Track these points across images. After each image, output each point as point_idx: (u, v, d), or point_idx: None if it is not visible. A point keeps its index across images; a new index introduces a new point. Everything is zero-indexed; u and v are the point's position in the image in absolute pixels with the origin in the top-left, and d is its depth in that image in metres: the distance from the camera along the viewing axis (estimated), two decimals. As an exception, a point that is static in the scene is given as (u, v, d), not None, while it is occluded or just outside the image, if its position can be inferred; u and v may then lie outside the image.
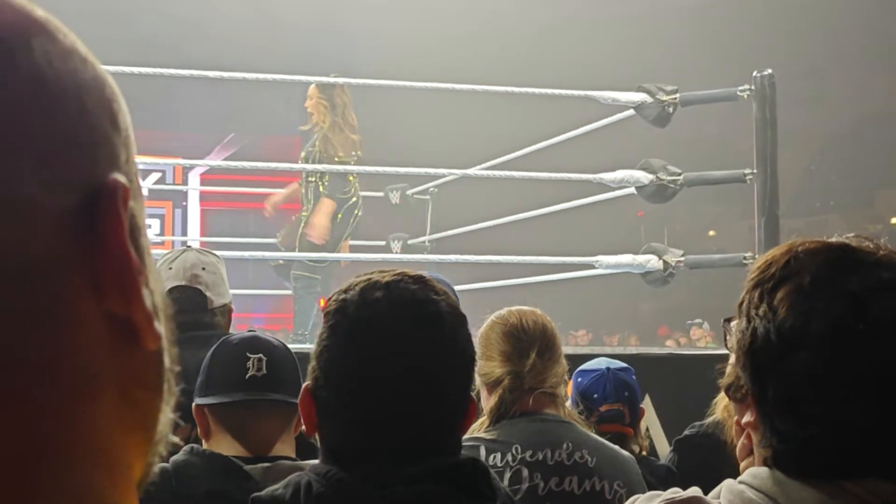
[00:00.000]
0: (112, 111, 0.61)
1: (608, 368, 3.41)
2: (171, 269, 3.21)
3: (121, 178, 0.59)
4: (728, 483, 1.48)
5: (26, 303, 0.54)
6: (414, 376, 1.59)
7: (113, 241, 0.58)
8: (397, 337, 1.58)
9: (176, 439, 0.64)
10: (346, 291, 1.63)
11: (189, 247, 3.55)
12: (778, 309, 1.41)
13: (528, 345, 2.76)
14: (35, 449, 0.53)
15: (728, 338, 1.62)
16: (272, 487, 1.56)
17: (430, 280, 1.67)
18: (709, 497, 1.50)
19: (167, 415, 0.62)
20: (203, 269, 3.22)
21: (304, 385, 1.63)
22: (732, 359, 1.54)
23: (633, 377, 3.47)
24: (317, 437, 1.64)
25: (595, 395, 3.34)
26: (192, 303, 3.14)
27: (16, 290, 0.54)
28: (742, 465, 1.60)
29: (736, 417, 1.61)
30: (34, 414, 0.54)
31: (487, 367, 2.78)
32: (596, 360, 3.61)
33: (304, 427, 1.65)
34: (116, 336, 0.58)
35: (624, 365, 3.54)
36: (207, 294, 3.18)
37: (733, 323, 1.57)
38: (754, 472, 1.45)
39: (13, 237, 0.54)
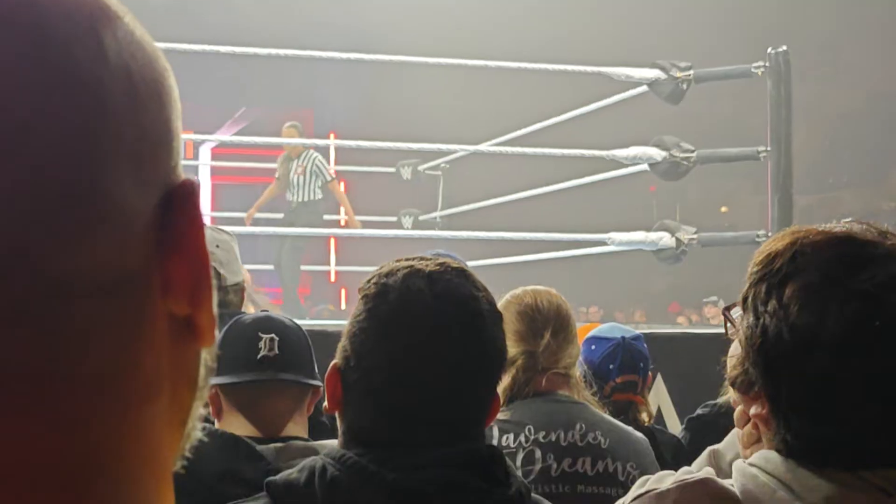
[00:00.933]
0: (177, 103, 0.59)
1: (623, 338, 3.40)
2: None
3: (194, 177, 0.58)
4: (739, 465, 1.48)
5: (116, 316, 0.53)
6: (447, 373, 1.57)
7: (193, 245, 0.56)
8: (436, 332, 1.57)
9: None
10: (387, 276, 1.61)
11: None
12: (789, 306, 1.40)
13: (543, 325, 2.75)
14: (98, 459, 0.52)
15: (729, 327, 1.61)
16: (286, 472, 1.55)
17: (472, 274, 1.66)
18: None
19: (199, 409, 0.61)
20: (217, 246, 3.21)
21: (332, 362, 1.62)
22: (736, 350, 1.54)
23: (644, 345, 3.47)
24: (337, 415, 1.63)
25: (611, 366, 3.33)
26: (205, 280, 3.13)
27: (109, 305, 0.53)
28: (747, 452, 1.58)
29: (741, 407, 1.60)
30: (101, 425, 0.53)
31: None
32: (608, 326, 3.60)
33: (325, 403, 1.64)
34: (174, 336, 0.57)
35: (636, 333, 3.54)
36: (221, 272, 3.17)
37: (734, 311, 1.56)
38: (766, 456, 1.45)
39: (113, 248, 0.53)
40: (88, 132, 0.52)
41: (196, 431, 0.61)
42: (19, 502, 0.50)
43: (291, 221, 10.03)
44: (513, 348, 2.72)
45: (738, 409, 1.60)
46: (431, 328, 1.56)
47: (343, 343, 1.62)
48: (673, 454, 3.32)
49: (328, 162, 10.98)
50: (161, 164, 0.56)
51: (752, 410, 1.49)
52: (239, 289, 3.27)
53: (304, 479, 1.49)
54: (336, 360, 1.62)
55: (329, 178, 10.28)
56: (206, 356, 0.60)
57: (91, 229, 0.51)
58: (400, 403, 1.55)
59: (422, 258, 1.65)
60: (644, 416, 3.36)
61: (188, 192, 0.57)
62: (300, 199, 10.29)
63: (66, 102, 0.51)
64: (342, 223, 11.50)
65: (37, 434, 0.50)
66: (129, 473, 0.54)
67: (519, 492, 1.55)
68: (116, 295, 0.53)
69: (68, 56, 0.52)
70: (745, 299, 1.49)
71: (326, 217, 11.49)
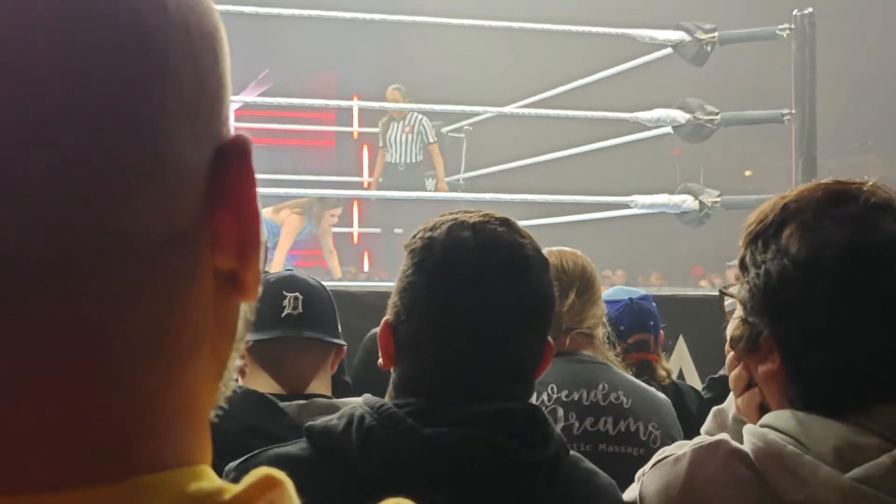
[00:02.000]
0: (228, 57, 0.59)
1: (631, 299, 3.41)
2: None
3: (246, 134, 0.58)
4: (749, 427, 1.49)
5: (168, 271, 0.53)
6: (497, 321, 1.58)
7: (244, 201, 0.57)
8: (484, 280, 1.57)
9: None
10: (432, 229, 1.61)
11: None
12: (789, 245, 1.42)
13: (568, 285, 2.75)
14: (143, 413, 0.53)
15: (728, 303, 1.62)
16: (327, 417, 1.57)
17: (515, 223, 1.66)
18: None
19: (236, 360, 0.61)
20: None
21: (384, 318, 1.63)
22: (737, 313, 1.54)
23: (653, 304, 3.48)
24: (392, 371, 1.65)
25: (622, 328, 3.34)
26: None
27: (162, 259, 0.53)
28: (753, 418, 1.58)
29: (737, 371, 1.60)
30: (147, 379, 0.53)
31: None
32: (612, 290, 3.61)
33: (380, 360, 1.65)
34: (219, 290, 0.57)
35: (643, 293, 3.57)
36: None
37: (732, 288, 1.57)
38: (776, 415, 1.46)
39: (169, 203, 0.53)
40: (150, 84, 0.52)
41: (231, 382, 0.62)
42: (66, 457, 0.50)
43: (399, 184, 9.83)
44: None
45: (735, 373, 1.59)
46: (479, 276, 1.57)
47: (393, 299, 1.62)
48: (697, 405, 3.34)
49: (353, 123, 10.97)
50: (215, 118, 0.57)
51: (761, 369, 1.49)
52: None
53: (342, 426, 1.51)
54: (388, 317, 1.63)
55: (431, 140, 10.21)
56: (246, 310, 0.61)
57: (150, 183, 0.52)
58: (447, 354, 1.57)
59: (466, 211, 1.65)
60: (662, 373, 3.37)
61: (241, 148, 0.57)
62: (407, 161, 10.22)
63: (128, 54, 0.51)
64: (365, 185, 11.51)
65: (85, 389, 0.51)
66: (171, 425, 0.54)
67: (556, 454, 1.55)
68: (169, 249, 0.53)
69: (131, 7, 0.52)
70: (742, 262, 1.51)
71: (351, 179, 11.49)
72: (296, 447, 1.55)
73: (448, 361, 1.56)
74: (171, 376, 0.54)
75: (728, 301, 1.63)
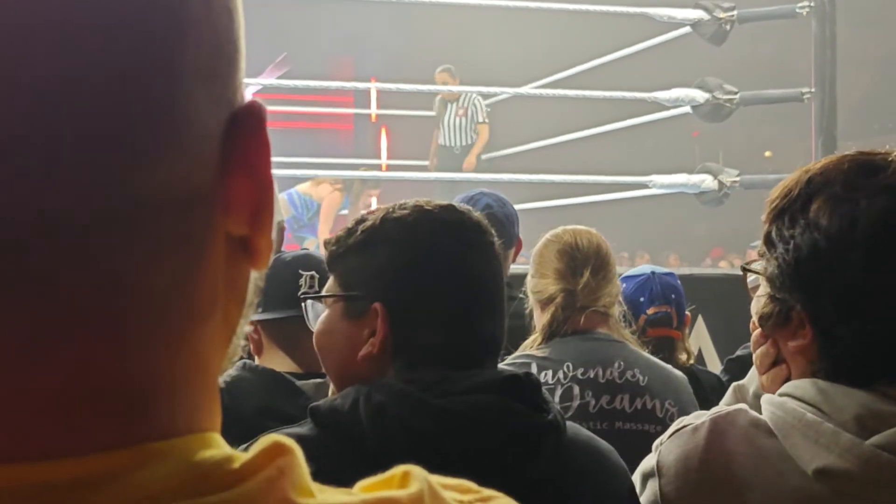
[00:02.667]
0: (242, 20, 0.59)
1: (653, 272, 3.40)
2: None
3: (260, 101, 0.57)
4: (767, 396, 1.49)
5: (182, 234, 0.53)
6: (486, 292, 1.64)
7: (258, 167, 0.56)
8: (475, 239, 1.64)
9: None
10: (362, 222, 1.67)
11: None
12: (818, 219, 1.41)
13: (582, 263, 2.75)
14: (156, 378, 0.53)
15: (751, 279, 1.62)
16: (330, 398, 1.58)
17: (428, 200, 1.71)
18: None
19: (244, 326, 0.61)
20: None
21: (372, 305, 1.64)
22: (762, 290, 1.54)
23: (678, 280, 3.46)
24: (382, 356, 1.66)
25: (641, 299, 3.33)
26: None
27: (177, 223, 0.53)
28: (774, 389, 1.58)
29: (764, 349, 1.59)
30: (160, 343, 0.53)
31: (541, 284, 2.78)
32: (639, 266, 3.60)
33: (372, 349, 1.66)
34: (230, 256, 0.57)
35: (668, 270, 3.54)
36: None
37: (755, 264, 1.56)
38: (795, 384, 1.46)
39: (185, 166, 0.53)
40: (169, 44, 0.52)
41: (239, 347, 0.61)
42: (74, 424, 0.50)
43: (455, 167, 9.74)
44: (552, 286, 2.73)
45: (761, 350, 1.59)
46: (456, 234, 1.63)
47: (374, 288, 1.63)
48: (715, 392, 3.32)
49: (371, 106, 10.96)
50: (231, 81, 0.56)
51: (791, 344, 1.49)
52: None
53: (348, 405, 1.51)
54: (378, 303, 1.63)
55: (480, 120, 10.03)
56: (256, 276, 0.61)
57: (167, 145, 0.51)
58: (448, 317, 1.61)
59: (398, 204, 1.70)
60: (683, 356, 3.35)
61: (256, 114, 0.57)
62: (463, 143, 10.06)
63: (147, 13, 0.51)
64: (383, 167, 11.50)
65: (100, 353, 0.50)
66: (182, 391, 0.54)
67: (556, 418, 1.58)
68: (185, 213, 0.53)
69: None
70: (767, 237, 1.50)
71: (370, 161, 11.48)
72: (304, 428, 1.56)
73: (463, 325, 1.61)
74: (183, 340, 0.54)
75: (751, 278, 1.62)
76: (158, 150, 0.51)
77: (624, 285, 3.37)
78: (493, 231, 1.69)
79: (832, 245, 1.40)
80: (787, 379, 1.53)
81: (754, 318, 1.57)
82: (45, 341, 0.49)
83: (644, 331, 3.27)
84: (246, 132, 0.56)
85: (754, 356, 1.61)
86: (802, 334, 1.46)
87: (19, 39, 0.48)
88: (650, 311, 3.31)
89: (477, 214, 1.68)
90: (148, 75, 0.50)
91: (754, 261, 1.57)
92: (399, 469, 0.60)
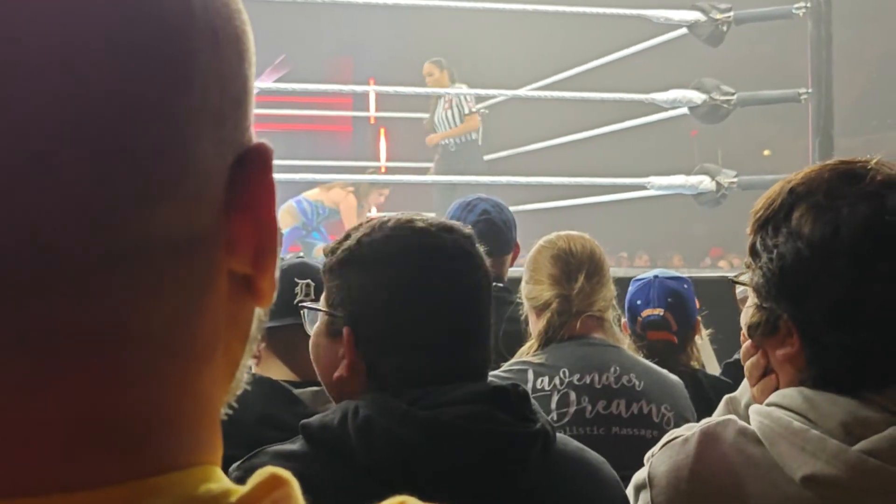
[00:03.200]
0: (254, 59, 0.59)
1: (655, 276, 3.39)
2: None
3: (267, 142, 0.58)
4: (755, 406, 1.50)
5: (184, 274, 0.54)
6: (453, 293, 1.62)
7: (263, 208, 0.57)
8: (431, 264, 1.61)
9: None
10: (347, 238, 1.66)
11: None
12: (801, 227, 1.43)
13: (576, 268, 2.76)
14: (156, 415, 0.53)
15: (739, 291, 1.63)
16: (321, 414, 1.58)
17: (420, 214, 1.69)
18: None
19: (247, 361, 0.62)
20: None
21: (345, 330, 1.64)
22: (751, 301, 1.55)
23: (686, 286, 3.43)
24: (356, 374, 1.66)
25: (638, 302, 3.33)
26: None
27: (178, 263, 0.53)
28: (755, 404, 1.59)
29: (754, 360, 1.60)
30: (160, 381, 0.53)
31: (536, 290, 2.79)
32: (651, 271, 3.60)
33: (342, 372, 1.67)
34: (233, 293, 0.57)
35: (676, 274, 3.53)
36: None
37: (743, 276, 1.57)
38: (782, 393, 1.47)
39: (189, 208, 0.53)
40: (176, 89, 0.52)
41: (242, 381, 0.62)
42: (72, 459, 0.50)
43: (452, 164, 9.33)
44: (547, 292, 2.73)
45: (751, 361, 1.60)
46: (427, 256, 1.61)
47: (348, 310, 1.63)
48: (719, 394, 3.31)
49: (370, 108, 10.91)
50: (239, 124, 0.57)
51: (779, 353, 1.50)
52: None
53: (337, 420, 1.52)
54: (347, 327, 1.63)
55: (468, 111, 9.47)
56: (259, 312, 0.61)
57: (171, 189, 0.52)
58: (418, 336, 1.60)
59: (369, 220, 1.70)
60: (685, 360, 3.34)
61: (263, 155, 0.57)
62: (457, 140, 9.57)
63: (155, 58, 0.51)
64: (382, 169, 11.48)
65: (99, 390, 0.51)
66: (182, 427, 0.55)
67: (544, 428, 1.58)
68: (186, 253, 0.53)
69: (157, 10, 0.52)
70: (752, 249, 1.51)
71: (368, 164, 11.46)
72: (295, 445, 1.56)
73: (429, 352, 1.60)
74: (184, 378, 0.55)
75: (739, 289, 1.63)
76: (161, 193, 0.51)
77: (630, 288, 3.38)
78: (477, 252, 1.67)
79: (815, 253, 1.41)
80: (778, 389, 1.54)
81: (744, 330, 1.58)
82: (43, 378, 0.50)
83: (644, 334, 3.27)
84: (251, 174, 0.56)
85: (745, 368, 1.62)
86: (790, 342, 1.47)
87: (23, 80, 0.48)
88: (644, 313, 3.31)
89: (463, 233, 1.67)
90: (153, 119, 0.51)
91: (742, 273, 1.58)
92: (395, 500, 0.61)
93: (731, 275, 1.69)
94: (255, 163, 0.57)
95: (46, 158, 0.48)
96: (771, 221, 1.48)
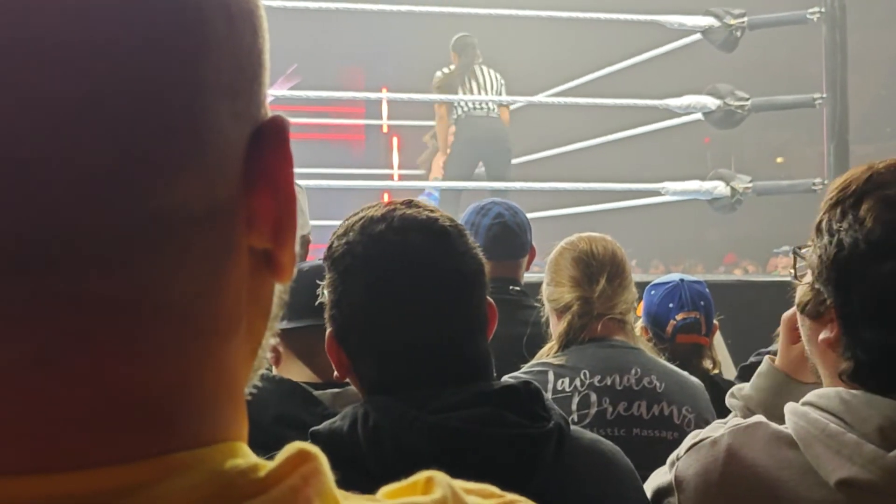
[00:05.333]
0: (267, 35, 0.59)
1: (682, 280, 3.39)
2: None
3: (284, 115, 0.58)
4: (790, 405, 1.48)
5: (204, 248, 0.54)
6: (441, 296, 1.59)
7: (281, 182, 0.57)
8: (413, 263, 1.58)
9: None
10: (345, 234, 1.63)
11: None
12: (865, 220, 1.41)
13: (598, 271, 2.75)
14: (182, 391, 0.53)
15: (798, 266, 1.61)
16: (330, 420, 1.57)
17: (419, 201, 1.68)
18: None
19: (269, 339, 0.62)
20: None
21: (327, 331, 1.64)
22: (807, 278, 1.53)
23: (707, 289, 3.44)
24: (350, 380, 1.66)
25: (670, 305, 3.31)
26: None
27: (198, 237, 0.53)
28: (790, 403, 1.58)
29: (805, 342, 1.59)
30: (185, 356, 0.54)
31: (557, 292, 2.78)
32: (667, 275, 3.59)
33: (335, 373, 1.66)
34: (254, 269, 0.57)
35: (696, 278, 3.53)
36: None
37: (805, 249, 1.56)
38: (819, 393, 1.45)
39: (207, 181, 0.53)
40: (191, 62, 0.52)
41: (265, 359, 0.62)
42: (98, 435, 0.50)
43: (491, 130, 8.75)
44: (568, 294, 2.73)
45: (798, 327, 1.59)
46: (407, 261, 1.58)
47: (331, 312, 1.63)
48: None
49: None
50: (254, 97, 0.57)
51: (821, 336, 1.48)
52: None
53: (347, 426, 1.51)
54: (329, 330, 1.63)
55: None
56: (280, 289, 0.61)
57: (189, 162, 0.52)
58: (409, 339, 1.57)
59: (368, 206, 1.66)
60: (708, 363, 3.34)
61: (279, 128, 0.58)
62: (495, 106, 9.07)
63: (169, 30, 0.51)
64: (396, 177, 11.48)
65: (121, 366, 0.51)
66: (208, 402, 0.55)
67: (559, 426, 1.56)
68: (206, 227, 0.53)
69: None
70: (818, 225, 1.49)
71: (378, 171, 11.45)
72: None
73: (410, 351, 1.57)
74: (207, 353, 0.55)
75: (800, 264, 1.62)
76: (180, 165, 0.52)
77: (652, 292, 3.36)
78: (460, 243, 1.63)
79: (871, 248, 1.39)
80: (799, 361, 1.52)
81: (796, 303, 1.57)
82: (66, 353, 0.50)
83: (673, 337, 3.26)
84: (269, 147, 0.57)
85: (783, 322, 1.60)
86: (831, 328, 1.46)
87: (41, 56, 0.48)
88: (679, 316, 3.30)
89: (441, 226, 1.62)
90: (169, 92, 0.51)
91: (807, 246, 1.56)
92: (422, 474, 0.61)
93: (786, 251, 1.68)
94: (271, 136, 0.57)
95: (65, 130, 0.48)
96: (841, 204, 1.45)
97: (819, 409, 1.42)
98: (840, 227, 1.43)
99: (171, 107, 0.51)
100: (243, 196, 0.55)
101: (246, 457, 0.55)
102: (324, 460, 0.55)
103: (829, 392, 1.43)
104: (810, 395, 1.46)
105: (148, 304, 0.51)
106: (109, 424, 0.51)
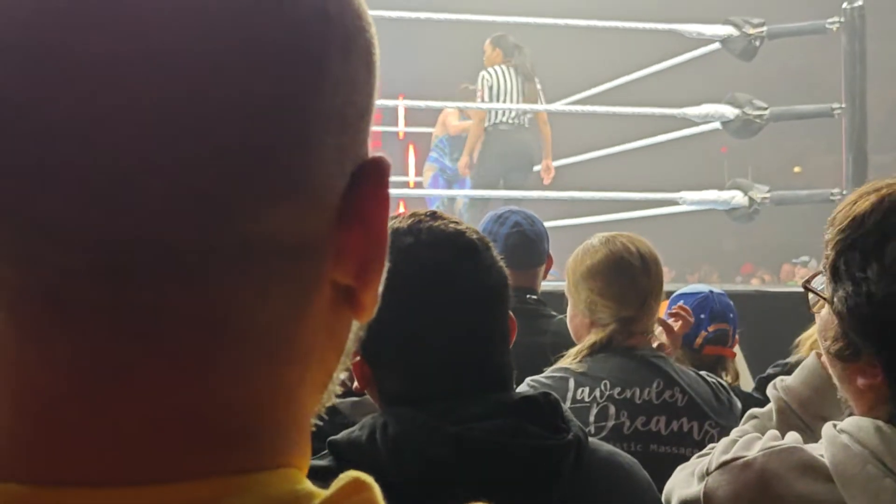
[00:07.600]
0: (378, 74, 0.59)
1: (711, 291, 3.40)
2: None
3: (386, 156, 0.58)
4: (829, 432, 1.44)
5: (290, 280, 0.54)
6: (470, 311, 1.59)
7: (376, 223, 0.57)
8: (443, 278, 1.58)
9: None
10: None
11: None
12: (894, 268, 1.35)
13: (645, 292, 2.70)
14: (256, 415, 0.54)
15: (813, 299, 1.57)
16: (348, 430, 1.56)
17: (443, 213, 1.66)
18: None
19: (340, 373, 0.61)
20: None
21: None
22: (828, 323, 1.48)
23: (731, 301, 3.46)
24: (369, 392, 1.66)
25: (702, 316, 3.31)
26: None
27: (286, 268, 0.53)
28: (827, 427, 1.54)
29: (836, 381, 1.55)
30: (262, 382, 0.54)
31: (599, 303, 2.70)
32: (691, 285, 3.59)
33: (356, 384, 1.65)
34: (334, 304, 0.57)
35: (721, 290, 3.54)
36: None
37: (817, 283, 1.52)
38: (859, 424, 1.41)
39: (303, 214, 0.53)
40: (306, 92, 0.52)
41: (333, 393, 0.62)
42: (161, 452, 0.51)
43: (521, 142, 8.63)
44: (609, 309, 2.68)
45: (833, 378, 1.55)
46: (436, 275, 1.57)
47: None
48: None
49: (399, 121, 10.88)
50: (360, 133, 0.56)
51: (860, 381, 1.44)
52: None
53: (366, 437, 1.50)
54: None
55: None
56: (357, 326, 0.61)
57: (289, 194, 0.52)
58: (433, 355, 1.57)
59: (393, 217, 1.64)
60: (730, 378, 3.32)
61: (380, 169, 0.57)
62: (530, 115, 8.71)
63: (289, 59, 0.51)
64: (411, 184, 11.48)
65: (195, 385, 0.51)
66: (275, 429, 0.55)
67: (577, 437, 1.55)
68: (294, 259, 0.53)
69: (294, 12, 0.52)
70: (834, 268, 1.43)
71: (397, 178, 11.45)
72: (324, 461, 1.54)
73: (433, 366, 1.57)
74: (279, 381, 0.55)
75: (812, 297, 1.57)
76: (280, 195, 0.52)
77: (681, 302, 3.35)
78: (487, 257, 1.62)
79: None
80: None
81: (821, 343, 1.52)
82: (138, 369, 0.50)
83: (701, 349, 3.25)
84: (367, 186, 0.56)
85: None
86: (872, 374, 1.42)
87: (164, 72, 0.48)
88: (711, 328, 3.30)
89: (469, 239, 1.61)
90: (282, 120, 0.51)
91: (815, 275, 1.53)
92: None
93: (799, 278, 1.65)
94: (372, 175, 0.57)
95: (176, 146, 0.48)
96: (859, 246, 1.40)
97: (858, 443, 1.39)
98: (866, 275, 1.38)
99: (281, 136, 0.51)
100: (336, 231, 0.55)
101: (302, 483, 0.55)
102: (377, 490, 0.55)
103: (867, 425, 1.40)
104: (848, 424, 1.43)
105: (226, 325, 0.52)
106: (174, 441, 0.51)
